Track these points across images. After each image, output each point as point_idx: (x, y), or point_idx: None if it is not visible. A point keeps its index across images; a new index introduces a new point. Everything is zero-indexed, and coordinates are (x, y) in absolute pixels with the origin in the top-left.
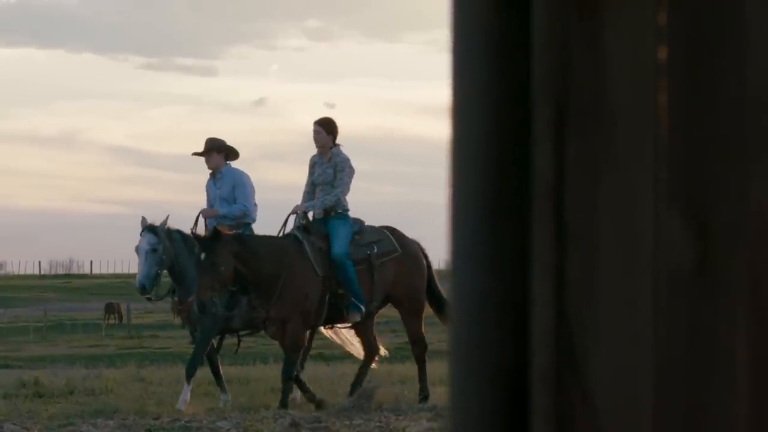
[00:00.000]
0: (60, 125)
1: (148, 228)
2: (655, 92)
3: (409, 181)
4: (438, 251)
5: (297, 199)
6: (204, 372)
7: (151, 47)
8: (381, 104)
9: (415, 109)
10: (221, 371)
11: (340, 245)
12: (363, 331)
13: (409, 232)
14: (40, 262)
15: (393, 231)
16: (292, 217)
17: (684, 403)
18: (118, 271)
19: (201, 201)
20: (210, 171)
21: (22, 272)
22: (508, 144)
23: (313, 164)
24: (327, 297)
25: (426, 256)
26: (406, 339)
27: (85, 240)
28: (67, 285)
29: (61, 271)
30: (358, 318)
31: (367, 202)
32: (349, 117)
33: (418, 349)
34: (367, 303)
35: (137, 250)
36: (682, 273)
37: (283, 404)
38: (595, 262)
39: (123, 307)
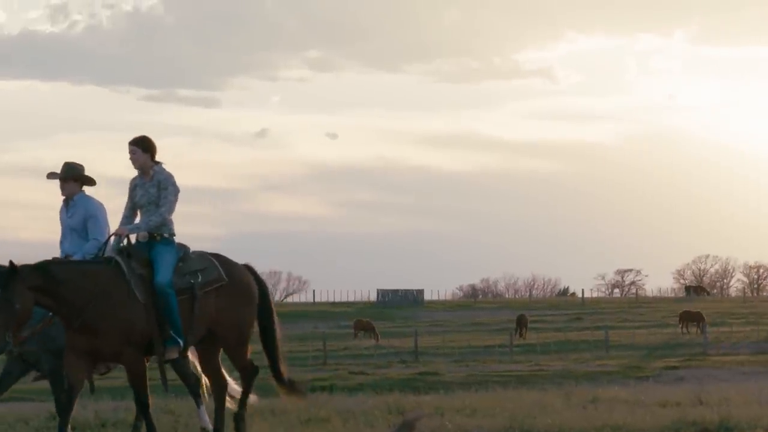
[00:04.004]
0: (62, 157)
1: None
2: None
3: (411, 212)
4: (445, 280)
5: (298, 229)
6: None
7: (152, 79)
8: (382, 134)
9: (417, 139)
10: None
11: (163, 273)
12: (207, 363)
13: (410, 263)
14: None
15: (219, 258)
16: (115, 241)
17: None
18: None
19: (202, 232)
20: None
21: None
22: None
23: (134, 186)
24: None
25: (261, 283)
26: (418, 370)
27: None
28: None
29: None
30: (175, 354)
31: (370, 232)
32: (351, 147)
33: (250, 375)
34: (186, 335)
35: None
36: None
37: None
38: None
39: None
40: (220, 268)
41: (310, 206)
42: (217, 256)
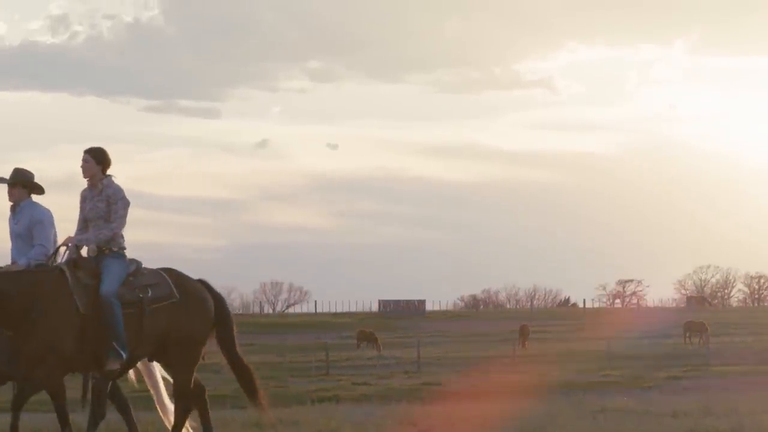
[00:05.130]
0: (63, 168)
1: None
2: None
3: (412, 222)
4: (446, 291)
5: (298, 240)
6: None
7: (153, 90)
8: (383, 145)
9: (417, 149)
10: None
11: (109, 283)
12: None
13: (411, 274)
14: None
15: (172, 274)
16: (65, 251)
17: None
18: None
19: (203, 243)
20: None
21: None
22: None
23: (84, 198)
24: (90, 339)
25: (218, 297)
26: (423, 381)
27: None
28: None
29: None
30: (116, 366)
31: (371, 243)
32: (352, 158)
33: (180, 408)
34: (132, 350)
35: None
36: None
37: None
38: None
39: None
40: (172, 285)
41: (310, 217)
42: (170, 271)
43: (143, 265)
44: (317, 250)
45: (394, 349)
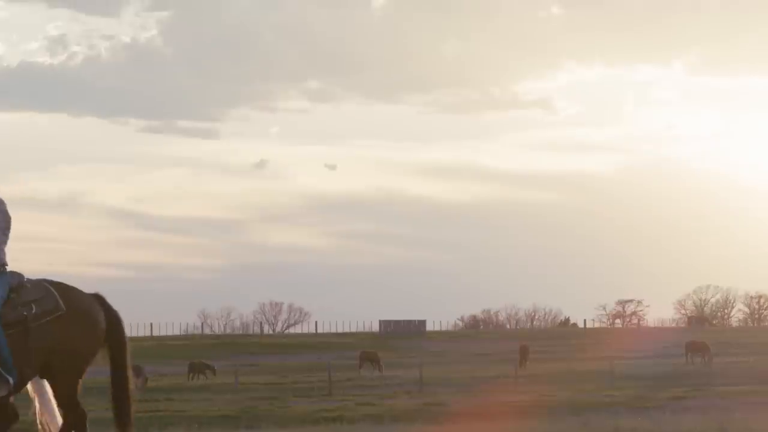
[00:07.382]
0: (61, 189)
1: None
2: None
3: (411, 242)
4: (446, 311)
5: (298, 260)
6: None
7: (151, 110)
8: (382, 165)
9: (416, 169)
10: None
11: None
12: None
13: (411, 294)
14: None
15: (58, 285)
16: None
17: None
18: None
19: (201, 263)
20: None
21: None
22: None
23: None
24: None
25: (112, 313)
26: (425, 401)
27: None
28: None
29: None
30: (5, 392)
31: (370, 263)
32: (350, 178)
33: (76, 418)
34: (19, 372)
35: None
36: None
37: None
38: None
39: (144, 370)
40: (58, 298)
41: (309, 237)
42: (57, 284)
43: (26, 278)
44: (316, 271)
45: (395, 370)
